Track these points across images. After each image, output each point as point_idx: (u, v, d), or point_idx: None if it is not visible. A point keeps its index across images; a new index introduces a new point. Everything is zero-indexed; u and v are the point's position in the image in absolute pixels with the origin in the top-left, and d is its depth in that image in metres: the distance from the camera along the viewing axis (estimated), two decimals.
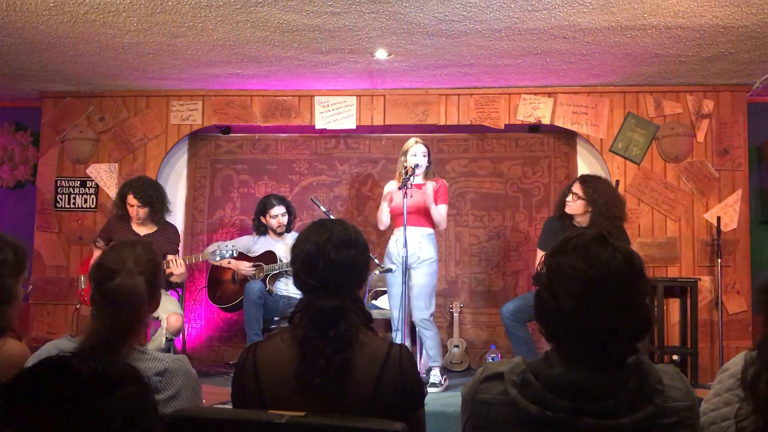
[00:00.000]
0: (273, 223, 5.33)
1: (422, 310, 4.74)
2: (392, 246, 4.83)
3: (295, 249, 1.99)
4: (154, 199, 5.07)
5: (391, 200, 4.79)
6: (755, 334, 5.43)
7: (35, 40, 4.60)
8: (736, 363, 1.76)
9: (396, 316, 4.66)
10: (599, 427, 1.42)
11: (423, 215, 4.77)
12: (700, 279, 5.37)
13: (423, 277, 4.73)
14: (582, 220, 4.55)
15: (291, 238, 5.36)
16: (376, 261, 4.62)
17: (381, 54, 4.87)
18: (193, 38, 4.56)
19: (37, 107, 6.12)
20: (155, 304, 2.02)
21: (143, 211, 5.03)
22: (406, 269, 4.50)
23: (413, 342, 5.24)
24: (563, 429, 1.42)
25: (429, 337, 4.79)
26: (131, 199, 5.01)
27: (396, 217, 4.81)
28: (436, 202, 4.79)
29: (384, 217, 4.89)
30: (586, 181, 4.57)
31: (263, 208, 5.38)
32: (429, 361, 4.84)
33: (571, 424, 1.42)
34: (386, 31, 4.39)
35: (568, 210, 4.53)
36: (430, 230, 4.82)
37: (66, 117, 6.02)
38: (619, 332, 1.46)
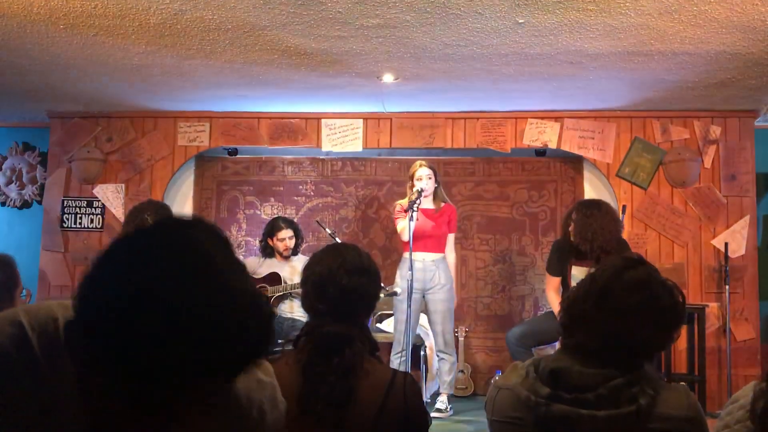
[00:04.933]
0: (280, 246, 5.32)
1: (447, 335, 4.75)
2: (405, 272, 4.76)
3: (307, 271, 1.98)
4: None
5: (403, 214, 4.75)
6: (765, 364, 5.38)
7: (45, 61, 4.64)
8: (745, 394, 1.73)
9: (402, 339, 4.64)
10: (573, 415, 1.51)
11: (434, 240, 4.79)
12: (707, 305, 5.33)
13: (444, 302, 4.77)
14: (582, 248, 4.55)
15: (298, 260, 5.34)
16: (381, 284, 4.61)
17: (388, 78, 4.89)
18: (202, 61, 4.58)
19: (45, 127, 6.16)
20: None
21: None
22: (411, 293, 4.47)
23: (416, 366, 5.22)
24: (540, 413, 1.56)
25: (448, 363, 4.77)
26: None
27: (404, 243, 4.78)
28: (449, 229, 4.93)
29: (405, 227, 4.67)
30: (580, 207, 4.57)
31: (271, 230, 5.37)
32: (441, 387, 4.81)
33: (547, 409, 1.55)
34: (393, 55, 4.41)
35: (573, 238, 4.54)
36: (442, 254, 4.84)
37: (74, 137, 6.05)
38: (609, 336, 1.57)
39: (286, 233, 5.29)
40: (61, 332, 0.96)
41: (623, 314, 1.57)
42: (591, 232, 4.42)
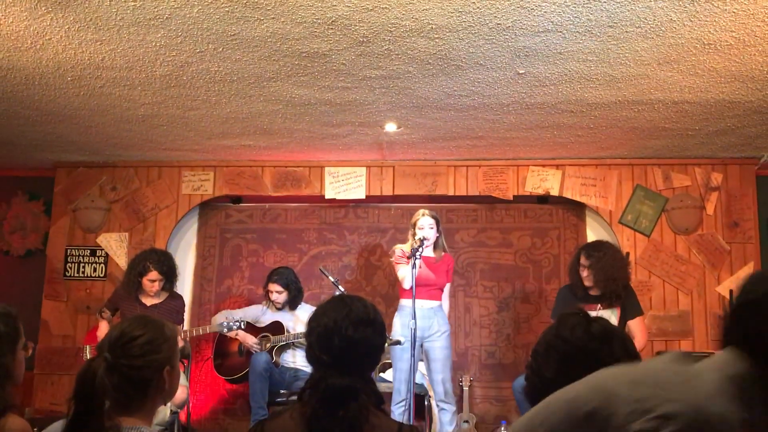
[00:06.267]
0: (270, 296, 5.32)
1: (447, 383, 4.68)
2: (406, 319, 4.73)
3: (312, 322, 1.97)
4: (171, 272, 5.09)
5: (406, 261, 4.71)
6: None
7: (52, 112, 4.70)
8: None
9: (403, 389, 4.58)
10: None
11: (433, 289, 4.76)
12: (714, 353, 5.25)
13: (444, 350, 4.71)
14: (594, 291, 4.57)
15: (301, 310, 5.32)
16: (387, 335, 4.56)
17: (390, 127, 4.94)
18: (207, 111, 4.64)
19: (50, 176, 6.20)
20: (170, 388, 1.93)
21: (161, 284, 5.03)
22: (415, 342, 4.43)
23: (420, 416, 5.14)
24: None
25: (449, 413, 4.69)
26: (154, 275, 4.96)
27: (403, 290, 4.76)
28: (447, 279, 4.89)
29: (407, 275, 4.61)
30: (589, 250, 4.61)
31: (266, 280, 5.38)
32: None
33: None
34: (396, 105, 4.46)
35: (587, 282, 4.55)
36: (439, 302, 4.81)
37: (79, 186, 6.09)
38: None
39: (275, 287, 5.28)
40: None
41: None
42: (613, 272, 4.45)
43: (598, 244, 4.73)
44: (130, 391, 1.80)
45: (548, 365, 1.54)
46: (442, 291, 4.87)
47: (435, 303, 4.78)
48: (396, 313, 4.83)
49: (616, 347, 1.53)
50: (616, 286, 4.47)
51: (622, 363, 1.51)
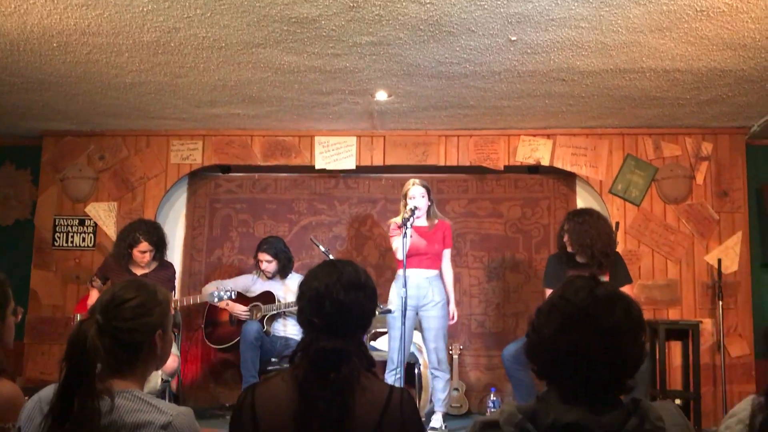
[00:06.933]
0: (260, 265, 5.32)
1: (440, 352, 4.71)
2: (400, 288, 4.75)
3: (303, 286, 1.97)
4: (161, 243, 5.08)
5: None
6: (759, 379, 5.37)
7: (38, 79, 4.63)
8: (743, 408, 1.73)
9: (396, 357, 4.61)
10: None
11: (428, 257, 4.76)
12: (701, 322, 5.32)
13: (439, 319, 4.73)
14: (579, 258, 4.55)
15: (291, 279, 5.32)
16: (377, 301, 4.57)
17: (381, 95, 4.90)
18: (195, 78, 4.59)
19: (37, 146, 6.13)
20: (162, 353, 1.92)
21: (151, 255, 5.02)
22: (406, 310, 4.45)
23: (410, 384, 5.19)
24: None
25: (442, 380, 4.74)
26: (145, 246, 4.96)
27: (399, 260, 4.76)
28: (444, 245, 4.86)
29: (399, 245, 4.61)
30: (572, 216, 4.60)
31: (256, 249, 5.37)
32: (435, 405, 4.78)
33: None
34: (386, 72, 4.43)
35: (569, 248, 4.54)
36: (436, 272, 4.80)
37: (66, 155, 6.03)
38: (599, 361, 1.47)
39: (264, 257, 5.27)
40: None
41: (611, 334, 1.50)
42: (589, 237, 4.43)
43: (583, 211, 4.72)
44: (121, 354, 1.80)
45: (549, 324, 1.54)
46: (440, 259, 4.85)
47: (431, 272, 4.77)
48: (393, 283, 4.86)
49: (618, 312, 1.52)
50: (595, 252, 4.45)
51: (623, 327, 1.51)
